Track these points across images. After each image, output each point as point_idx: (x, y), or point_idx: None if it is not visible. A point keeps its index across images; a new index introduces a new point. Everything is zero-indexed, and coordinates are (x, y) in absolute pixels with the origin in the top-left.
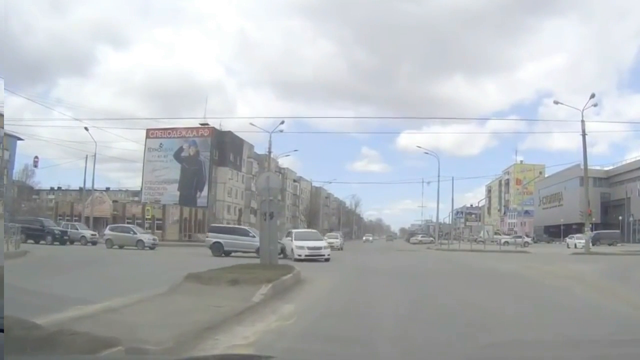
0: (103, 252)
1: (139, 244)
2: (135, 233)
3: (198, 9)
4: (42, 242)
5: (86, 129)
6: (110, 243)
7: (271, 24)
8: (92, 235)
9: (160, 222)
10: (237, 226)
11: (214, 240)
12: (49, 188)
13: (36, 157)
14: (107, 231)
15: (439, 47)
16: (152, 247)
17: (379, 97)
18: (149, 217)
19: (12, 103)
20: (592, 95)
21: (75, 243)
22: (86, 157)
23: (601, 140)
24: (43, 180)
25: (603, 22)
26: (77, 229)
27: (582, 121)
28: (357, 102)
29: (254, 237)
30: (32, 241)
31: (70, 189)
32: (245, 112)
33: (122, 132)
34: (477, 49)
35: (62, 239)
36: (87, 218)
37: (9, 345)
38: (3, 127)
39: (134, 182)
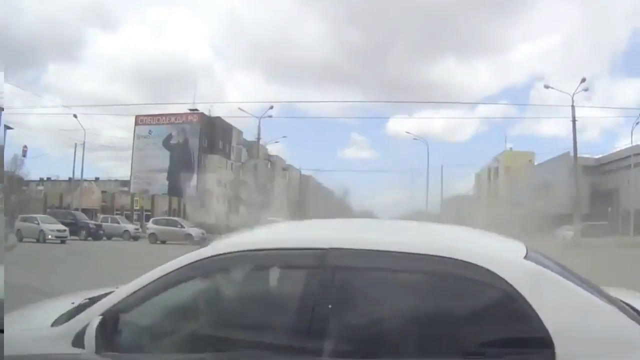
0: (141, 247)
1: (188, 238)
2: (182, 227)
3: None
4: (73, 237)
5: (75, 116)
6: (154, 237)
7: (261, 4)
8: (136, 229)
9: (149, 213)
10: None
11: None
12: (38, 179)
13: (25, 146)
14: (150, 224)
15: (430, 28)
16: (201, 241)
17: (370, 80)
18: (138, 207)
19: None
20: (583, 80)
21: (114, 238)
22: (75, 146)
23: (592, 127)
24: (32, 170)
25: (598, 4)
26: (118, 223)
27: (572, 106)
28: (347, 85)
29: None
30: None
31: (60, 179)
32: (235, 96)
33: (111, 119)
34: (469, 30)
35: (97, 233)
36: (76, 209)
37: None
38: None
39: (122, 171)
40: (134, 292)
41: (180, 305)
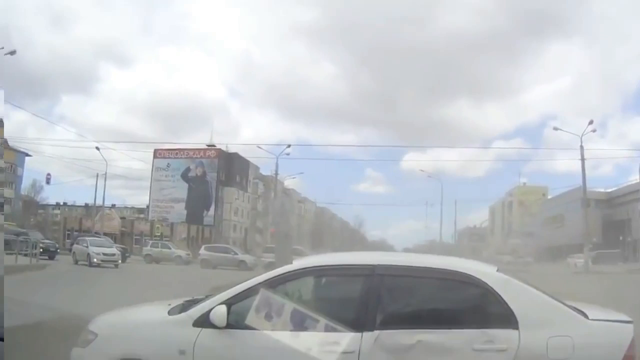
0: (199, 272)
1: (241, 264)
2: (236, 253)
3: (201, 31)
4: None
5: (97, 148)
6: (205, 263)
7: (274, 47)
8: (187, 254)
9: (168, 239)
10: None
11: None
12: (54, 203)
13: (49, 174)
14: (202, 251)
15: (442, 70)
16: (252, 267)
17: (382, 120)
18: (158, 234)
19: (16, 119)
20: (590, 122)
21: (162, 262)
22: (97, 175)
23: (606, 162)
24: (49, 196)
25: (607, 46)
26: (169, 248)
27: (581, 147)
28: (360, 124)
29: None
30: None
31: (76, 204)
32: (250, 132)
33: (127, 151)
34: (481, 72)
35: (124, 256)
36: (97, 233)
37: (9, 353)
38: (3, 137)
39: (136, 199)
40: (238, 293)
41: None
